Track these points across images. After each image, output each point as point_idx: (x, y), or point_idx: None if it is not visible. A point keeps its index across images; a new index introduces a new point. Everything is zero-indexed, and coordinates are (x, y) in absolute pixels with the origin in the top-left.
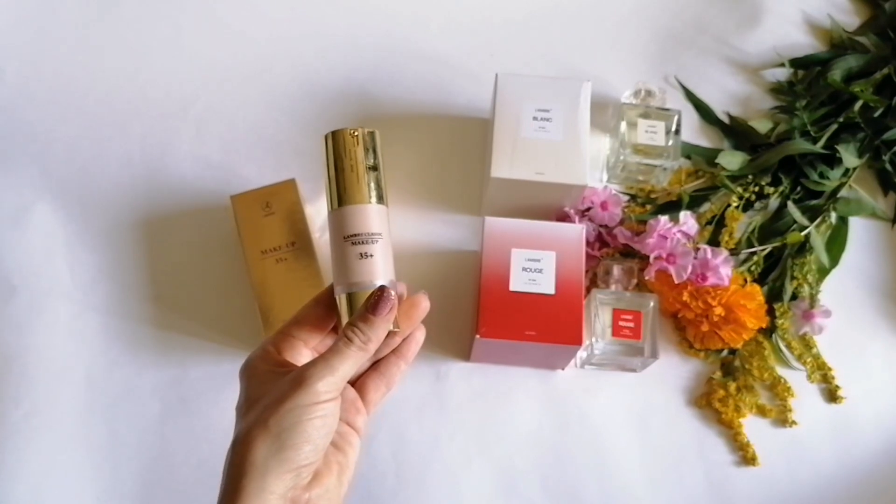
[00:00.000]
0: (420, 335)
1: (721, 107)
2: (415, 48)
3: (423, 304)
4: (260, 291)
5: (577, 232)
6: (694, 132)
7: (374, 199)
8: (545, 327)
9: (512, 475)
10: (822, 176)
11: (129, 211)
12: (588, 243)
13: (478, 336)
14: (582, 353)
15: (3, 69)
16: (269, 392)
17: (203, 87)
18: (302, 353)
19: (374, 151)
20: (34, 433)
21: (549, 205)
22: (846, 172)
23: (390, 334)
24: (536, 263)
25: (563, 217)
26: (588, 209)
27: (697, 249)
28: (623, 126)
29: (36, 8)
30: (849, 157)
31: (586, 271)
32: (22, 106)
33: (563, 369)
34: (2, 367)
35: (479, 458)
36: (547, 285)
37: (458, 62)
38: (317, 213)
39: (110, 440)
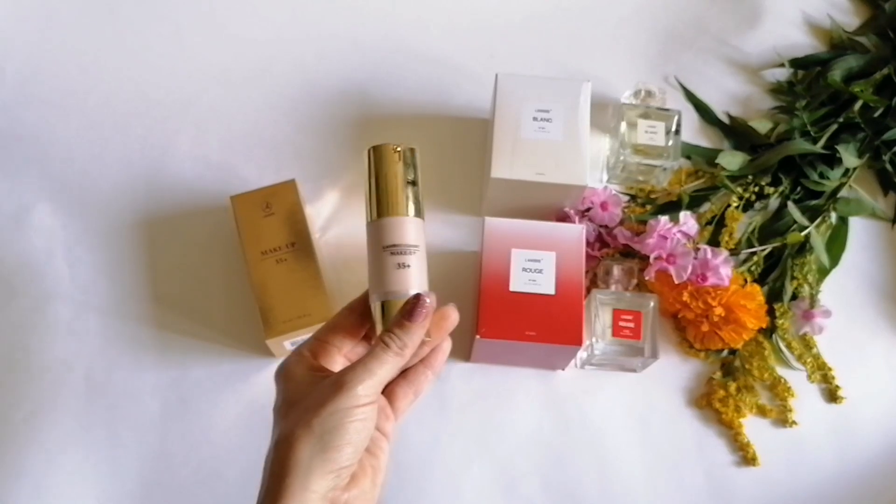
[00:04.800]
0: (447, 346)
1: (721, 107)
2: (415, 49)
3: (453, 316)
4: (260, 292)
5: (577, 232)
6: (694, 132)
7: (412, 213)
8: (545, 327)
9: (512, 475)
10: (822, 176)
11: (129, 211)
12: (588, 243)
13: (478, 336)
14: (582, 354)
15: (3, 69)
16: (309, 395)
17: (203, 88)
18: (335, 359)
19: (415, 167)
20: (34, 433)
21: (549, 205)
22: (846, 172)
23: (421, 343)
24: (536, 264)
25: (563, 217)
26: (588, 209)
27: (697, 250)
28: (623, 126)
29: (36, 8)
30: (849, 157)
31: (586, 271)
32: (22, 107)
33: (563, 369)
34: (2, 367)
35: (479, 459)
36: (547, 286)
37: (458, 63)
38: (317, 213)
39: (110, 441)
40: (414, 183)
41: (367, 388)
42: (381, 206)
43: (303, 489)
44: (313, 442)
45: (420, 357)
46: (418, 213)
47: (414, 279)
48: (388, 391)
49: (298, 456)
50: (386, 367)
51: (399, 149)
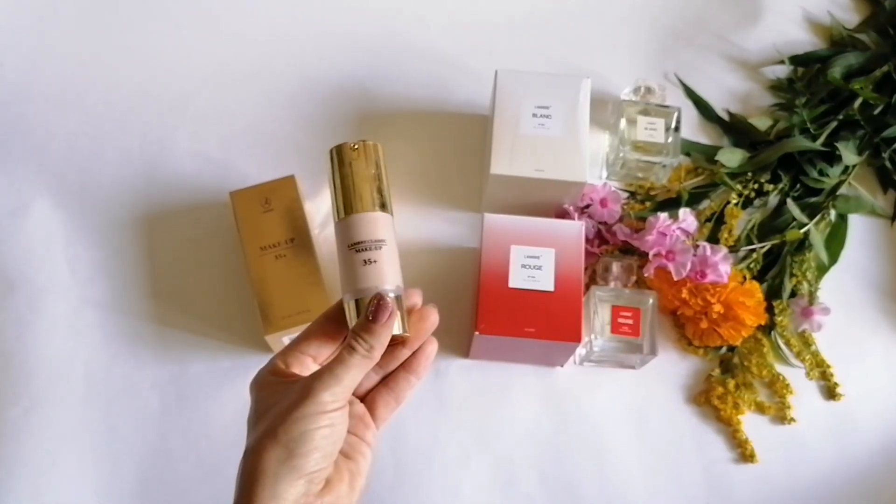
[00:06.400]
0: (431, 349)
1: (721, 104)
2: (414, 45)
3: (432, 317)
4: (259, 288)
5: (576, 229)
6: (693, 129)
7: (375, 208)
8: (544, 324)
9: (511, 472)
10: (821, 173)
11: (128, 207)
12: (587, 240)
13: (477, 333)
14: (581, 350)
15: (2, 64)
16: (277, 403)
17: (202, 84)
18: (310, 368)
19: (376, 162)
20: (33, 429)
21: (549, 202)
22: (846, 170)
23: (398, 344)
24: (536, 260)
25: (563, 214)
26: (587, 206)
27: (696, 246)
28: (622, 123)
29: (36, 4)
30: (848, 154)
31: (585, 268)
32: (21, 101)
33: (562, 366)
34: (1, 363)
35: (478, 455)
36: (546, 282)
37: (457, 59)
38: (316, 209)
39: (109, 436)
40: (376, 178)
41: (334, 394)
42: (342, 206)
43: (272, 496)
44: (279, 450)
45: (399, 361)
46: (383, 208)
47: (383, 275)
48: (369, 399)
49: (265, 465)
50: (353, 372)
51: (356, 147)
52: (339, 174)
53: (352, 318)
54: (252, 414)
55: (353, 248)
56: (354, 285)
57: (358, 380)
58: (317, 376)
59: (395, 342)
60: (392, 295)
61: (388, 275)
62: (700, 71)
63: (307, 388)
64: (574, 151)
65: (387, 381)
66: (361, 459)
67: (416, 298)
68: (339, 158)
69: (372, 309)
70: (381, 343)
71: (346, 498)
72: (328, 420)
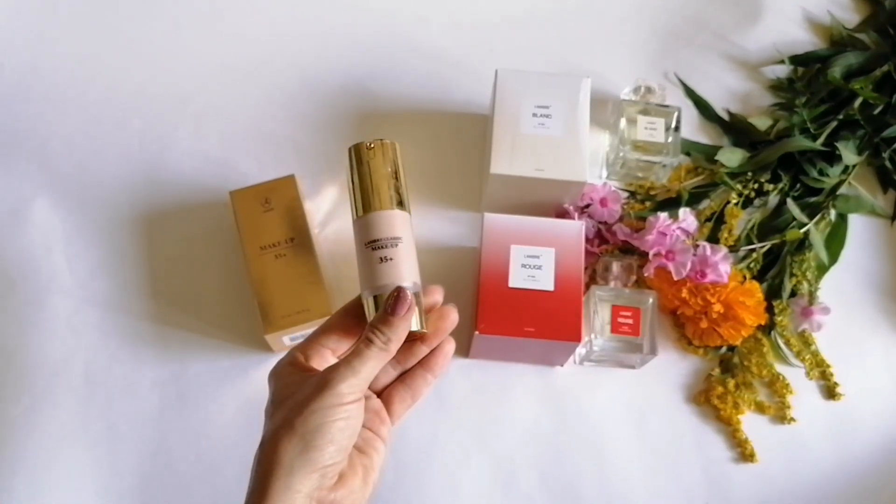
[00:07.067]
0: (449, 348)
1: (721, 103)
2: (415, 44)
3: (452, 316)
4: (259, 287)
5: (576, 228)
6: (693, 129)
7: (390, 206)
8: (544, 324)
9: (511, 471)
10: (821, 173)
11: (128, 206)
12: (587, 240)
13: (477, 332)
14: (581, 350)
15: (2, 64)
16: (294, 394)
17: (202, 83)
18: (328, 361)
19: (393, 161)
20: (33, 428)
21: (549, 201)
22: (846, 170)
23: (416, 340)
24: (536, 260)
25: (563, 214)
26: (587, 206)
27: (696, 246)
28: (622, 123)
29: (35, 3)
30: (848, 154)
31: (585, 268)
32: (21, 101)
33: (561, 366)
34: (1, 362)
35: (477, 454)
36: (546, 282)
37: (457, 58)
38: (316, 209)
39: (109, 435)
40: (393, 177)
41: (351, 386)
42: (359, 204)
43: (286, 488)
44: (295, 441)
45: (418, 358)
46: (399, 206)
47: (400, 272)
48: (386, 395)
49: (281, 456)
50: (370, 364)
51: (372, 145)
52: (357, 173)
53: (370, 314)
54: (270, 404)
55: (370, 245)
56: (372, 282)
57: (374, 372)
58: (334, 368)
59: (413, 338)
60: (410, 291)
61: (404, 272)
62: (700, 71)
63: (324, 380)
64: (574, 151)
65: (404, 377)
66: (375, 454)
67: (438, 296)
68: (357, 157)
69: (391, 302)
70: (398, 336)
71: (360, 492)
72: (345, 412)
